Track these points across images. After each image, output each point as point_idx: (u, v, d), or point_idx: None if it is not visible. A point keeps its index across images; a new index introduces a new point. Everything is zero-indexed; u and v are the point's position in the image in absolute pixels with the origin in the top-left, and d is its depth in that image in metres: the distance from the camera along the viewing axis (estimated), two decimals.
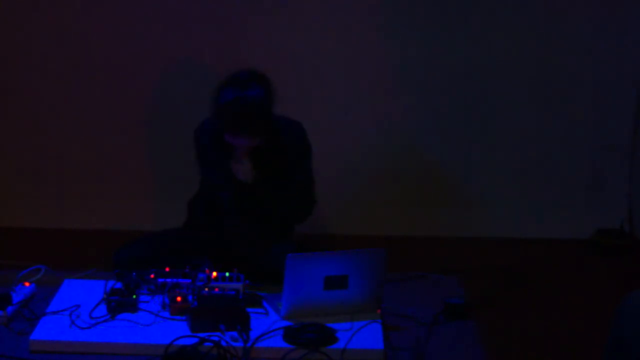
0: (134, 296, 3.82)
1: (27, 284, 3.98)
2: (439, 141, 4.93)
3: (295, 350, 3.55)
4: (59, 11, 4.78)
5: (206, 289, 3.83)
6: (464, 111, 4.90)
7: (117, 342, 3.59)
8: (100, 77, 4.84)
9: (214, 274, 3.90)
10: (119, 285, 3.90)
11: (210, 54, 4.78)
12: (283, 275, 3.71)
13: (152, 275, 3.94)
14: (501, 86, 4.87)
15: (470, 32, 4.81)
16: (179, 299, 3.78)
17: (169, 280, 3.91)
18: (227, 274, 3.91)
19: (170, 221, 4.36)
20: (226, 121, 3.95)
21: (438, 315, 3.92)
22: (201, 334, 3.58)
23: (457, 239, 4.89)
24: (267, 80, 3.98)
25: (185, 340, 3.52)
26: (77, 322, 3.71)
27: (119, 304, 3.78)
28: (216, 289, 3.83)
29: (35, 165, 4.94)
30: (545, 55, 4.83)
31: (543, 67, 4.85)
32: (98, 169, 4.94)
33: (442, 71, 4.85)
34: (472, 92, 4.88)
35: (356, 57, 4.83)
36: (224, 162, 4.06)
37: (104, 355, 3.56)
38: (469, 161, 4.95)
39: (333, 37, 4.81)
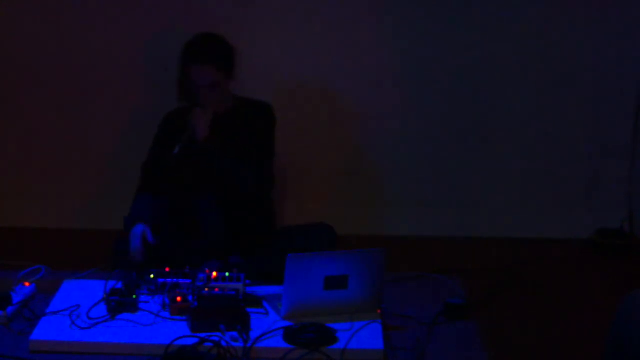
0: (134, 296, 3.81)
1: (27, 284, 3.98)
2: (439, 142, 4.93)
3: (295, 350, 3.54)
4: (51, 12, 4.78)
5: (206, 289, 3.83)
6: (464, 111, 4.90)
7: (117, 342, 3.59)
8: (99, 77, 4.84)
9: (214, 273, 3.90)
10: (119, 285, 3.91)
11: None
12: (283, 274, 3.71)
13: (152, 275, 3.94)
14: (501, 86, 4.87)
15: (469, 32, 4.81)
16: (179, 299, 3.78)
17: (169, 280, 3.90)
18: (227, 274, 3.91)
19: None
20: (191, 52, 4.11)
21: (438, 315, 3.92)
22: (201, 334, 3.58)
23: (457, 239, 4.89)
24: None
25: (185, 340, 3.52)
26: (77, 322, 3.70)
27: (119, 304, 3.78)
28: (216, 289, 3.83)
29: (35, 165, 4.93)
30: (545, 56, 4.83)
31: (543, 67, 4.85)
32: (98, 170, 4.94)
33: (443, 72, 4.85)
34: (472, 93, 4.88)
35: (358, 57, 4.82)
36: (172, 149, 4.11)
37: (104, 355, 3.56)
38: (469, 161, 4.94)
39: (332, 38, 4.81)
